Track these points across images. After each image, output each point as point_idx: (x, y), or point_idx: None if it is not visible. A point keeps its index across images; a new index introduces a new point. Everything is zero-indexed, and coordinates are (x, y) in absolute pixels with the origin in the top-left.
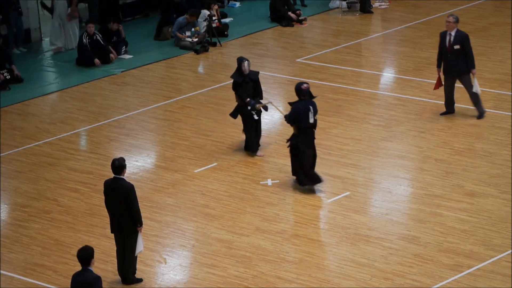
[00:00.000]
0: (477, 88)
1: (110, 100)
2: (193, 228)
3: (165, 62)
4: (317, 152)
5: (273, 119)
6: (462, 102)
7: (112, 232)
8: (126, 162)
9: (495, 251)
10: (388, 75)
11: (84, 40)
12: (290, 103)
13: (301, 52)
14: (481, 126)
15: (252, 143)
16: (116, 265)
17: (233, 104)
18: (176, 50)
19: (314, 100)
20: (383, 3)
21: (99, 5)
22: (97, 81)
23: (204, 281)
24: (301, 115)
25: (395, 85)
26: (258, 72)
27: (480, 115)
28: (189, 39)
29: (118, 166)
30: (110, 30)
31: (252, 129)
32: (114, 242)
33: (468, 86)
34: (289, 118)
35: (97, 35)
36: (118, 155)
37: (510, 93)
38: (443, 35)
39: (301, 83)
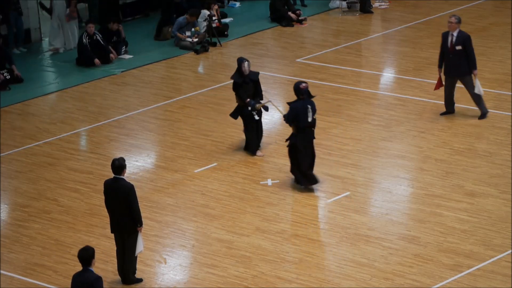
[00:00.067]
0: (479, 89)
1: (110, 100)
2: (193, 228)
3: (165, 62)
4: (317, 152)
5: (273, 119)
6: (462, 102)
7: (112, 232)
8: (126, 162)
9: (495, 251)
10: (388, 75)
11: (84, 40)
12: (288, 103)
13: (301, 52)
14: (481, 126)
15: (252, 144)
16: (116, 265)
17: (233, 104)
18: (176, 50)
19: (313, 99)
20: (383, 3)
21: (99, 5)
22: (97, 81)
23: (204, 281)
24: (300, 114)
25: (395, 85)
26: (258, 73)
27: (483, 115)
28: (189, 39)
29: (118, 166)
30: (110, 30)
31: (253, 130)
32: (114, 242)
33: (470, 87)
34: (287, 118)
35: (97, 35)
36: (118, 155)
37: (510, 93)
38: (445, 36)
39: (300, 82)
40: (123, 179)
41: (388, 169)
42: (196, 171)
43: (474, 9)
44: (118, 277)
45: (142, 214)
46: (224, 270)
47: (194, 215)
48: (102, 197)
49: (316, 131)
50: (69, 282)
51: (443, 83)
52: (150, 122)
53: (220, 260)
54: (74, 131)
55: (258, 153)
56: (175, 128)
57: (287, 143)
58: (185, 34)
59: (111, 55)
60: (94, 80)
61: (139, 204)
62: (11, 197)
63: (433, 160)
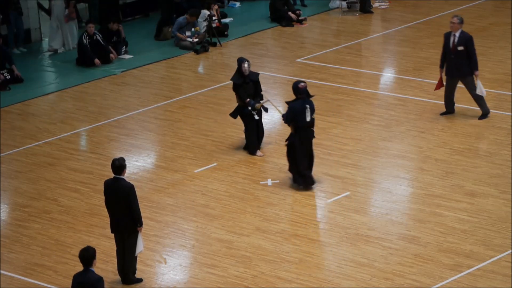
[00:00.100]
0: (481, 89)
1: (110, 100)
2: (193, 228)
3: (165, 62)
4: (317, 152)
5: (273, 119)
6: (462, 102)
7: (112, 232)
8: (126, 162)
9: (495, 251)
10: (388, 75)
11: (84, 40)
12: (287, 102)
13: (301, 52)
14: (481, 126)
15: (251, 144)
16: (116, 265)
17: (233, 104)
18: (176, 50)
19: (313, 99)
20: (383, 3)
21: (99, 5)
22: (97, 81)
23: (204, 281)
24: (298, 114)
25: (395, 85)
26: (258, 73)
27: (484, 115)
28: (190, 39)
29: (118, 166)
30: (110, 30)
31: (253, 130)
32: (114, 242)
33: (471, 88)
34: (286, 117)
35: (97, 35)
36: (118, 155)
37: (510, 93)
38: (447, 36)
39: (298, 81)
40: (123, 179)
41: (388, 169)
42: (196, 171)
43: (474, 9)
44: (118, 277)
45: (142, 214)
46: (224, 270)
47: (194, 215)
48: (102, 197)
49: (316, 131)
50: (69, 282)
51: (444, 83)
52: (150, 122)
53: (220, 260)
54: (74, 131)
55: (258, 153)
56: (175, 128)
57: (286, 143)
58: (185, 34)
59: (111, 55)
60: (94, 80)
61: (139, 204)
62: (11, 197)
63: (433, 160)
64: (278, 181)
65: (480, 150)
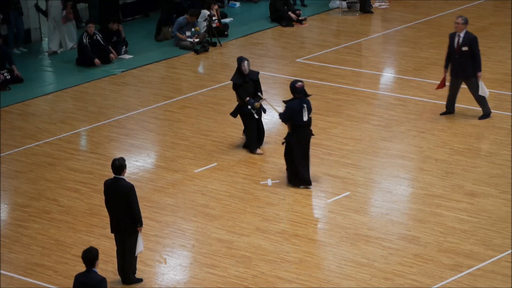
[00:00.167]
0: (484, 90)
1: (110, 100)
2: (193, 228)
3: (165, 62)
4: (317, 152)
5: (273, 119)
6: (462, 102)
7: (112, 232)
8: (126, 162)
9: (495, 251)
10: (388, 75)
11: (84, 40)
12: (284, 101)
13: (301, 52)
14: (481, 126)
15: (251, 142)
16: (116, 265)
17: (233, 104)
18: (176, 50)
19: (312, 99)
20: (383, 3)
21: (99, 5)
22: (97, 81)
23: (204, 281)
24: (296, 113)
25: (395, 85)
26: (258, 72)
27: (485, 115)
28: (190, 39)
29: (118, 166)
30: (110, 30)
31: (253, 129)
32: (114, 242)
33: (474, 89)
34: (283, 117)
35: (97, 35)
36: (118, 155)
37: (510, 93)
38: (452, 36)
39: (296, 81)
40: (123, 179)
41: (388, 169)
42: (196, 171)
43: (474, 9)
44: (118, 277)
45: (142, 214)
46: (224, 270)
47: (194, 215)
48: (102, 197)
49: (316, 131)
50: (69, 282)
51: (446, 83)
52: (150, 122)
53: (220, 260)
54: (74, 131)
55: (258, 150)
56: (175, 128)
57: (283, 142)
58: (185, 34)
59: (111, 55)
60: (94, 80)
61: (139, 204)
62: (11, 197)
63: (433, 160)
64: (278, 181)
65: (480, 150)
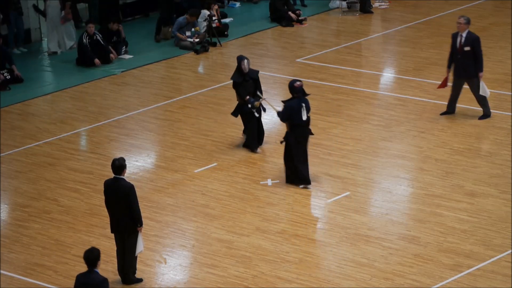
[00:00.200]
0: (485, 90)
1: (110, 100)
2: (193, 228)
3: (165, 62)
4: (317, 152)
5: (273, 119)
6: (463, 102)
7: (112, 232)
8: (126, 162)
9: (495, 251)
10: (388, 75)
11: (84, 40)
12: (283, 101)
13: (301, 52)
14: (481, 126)
15: (252, 141)
16: (116, 265)
17: (233, 104)
18: (176, 50)
19: (312, 99)
20: (383, 3)
21: (99, 5)
22: (97, 81)
23: (204, 281)
24: (294, 112)
25: (395, 85)
26: (258, 71)
27: (485, 115)
28: (190, 39)
29: (118, 166)
30: (110, 30)
31: (253, 128)
32: (114, 242)
33: (475, 90)
34: (282, 116)
35: (97, 35)
36: (118, 155)
37: (510, 93)
38: (454, 36)
39: (294, 80)
40: (123, 179)
41: (388, 169)
42: (196, 171)
43: (474, 9)
44: (118, 277)
45: (142, 214)
46: (224, 270)
47: (194, 215)
48: (102, 197)
49: (316, 131)
50: (69, 282)
51: (448, 84)
52: (150, 122)
53: (220, 260)
54: (74, 131)
55: (257, 150)
56: (175, 128)
57: (282, 141)
58: (185, 34)
59: (111, 55)
60: (94, 80)
61: (139, 204)
62: (11, 197)
63: (433, 160)
64: (278, 181)
65: (480, 150)
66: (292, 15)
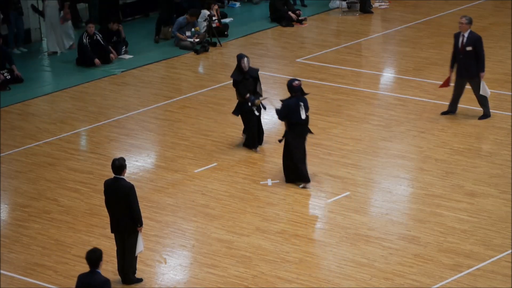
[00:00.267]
0: (485, 90)
1: (110, 100)
2: (193, 228)
3: (165, 62)
4: (317, 152)
5: (273, 119)
6: (463, 102)
7: (112, 232)
8: (126, 162)
9: (495, 251)
10: (388, 75)
11: (84, 40)
12: (282, 100)
13: (301, 52)
14: (481, 126)
15: (252, 139)
16: (116, 265)
17: (233, 104)
18: (176, 50)
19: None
20: (383, 3)
21: (99, 5)
22: (97, 81)
23: (204, 281)
24: (292, 111)
25: (395, 85)
26: (258, 69)
27: (485, 115)
28: (190, 39)
29: (118, 166)
30: (110, 30)
31: (254, 126)
32: (114, 242)
33: (476, 90)
34: (280, 114)
35: (97, 35)
36: (118, 155)
37: (510, 93)
38: (456, 36)
39: (293, 79)
40: (123, 179)
41: (388, 169)
42: (196, 171)
43: (474, 9)
44: (118, 277)
45: (142, 214)
46: (224, 270)
47: (194, 215)
48: (102, 197)
49: (316, 131)
50: (69, 282)
51: (451, 84)
52: (150, 122)
53: (220, 260)
54: (74, 131)
55: (258, 149)
56: (175, 128)
57: (282, 139)
58: (185, 34)
59: (111, 55)
60: (94, 80)
61: (139, 204)
62: (11, 197)
63: (433, 160)
64: (278, 181)
65: (480, 150)
66: (292, 15)
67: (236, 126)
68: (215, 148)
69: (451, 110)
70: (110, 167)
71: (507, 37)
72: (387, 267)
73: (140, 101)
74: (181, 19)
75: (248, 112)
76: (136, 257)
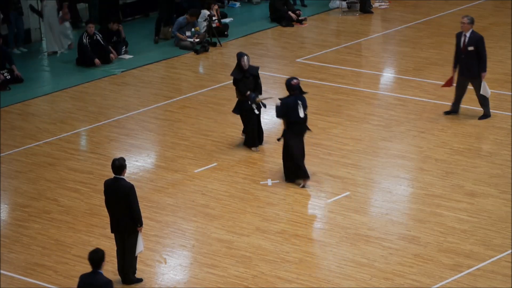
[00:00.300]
0: (486, 90)
1: (110, 100)
2: (193, 228)
3: (165, 62)
4: (317, 152)
5: (273, 119)
6: (463, 102)
7: (112, 232)
8: (126, 162)
9: (495, 251)
10: (388, 75)
11: (84, 40)
12: (280, 99)
13: (301, 52)
14: (481, 126)
15: (252, 138)
16: (116, 265)
17: (233, 103)
18: (176, 50)
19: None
20: (383, 3)
21: (99, 5)
22: (97, 81)
23: (204, 281)
24: (291, 109)
25: (395, 85)
26: (258, 67)
27: (485, 116)
28: (190, 39)
29: (118, 166)
30: (110, 30)
31: (254, 125)
32: (114, 242)
33: (478, 89)
34: (278, 111)
35: (97, 35)
36: (118, 155)
37: (510, 93)
38: (458, 36)
39: (291, 78)
40: (123, 179)
41: (388, 169)
42: (196, 171)
43: (474, 9)
44: (118, 277)
45: (142, 214)
46: (224, 270)
47: (194, 215)
48: (102, 197)
49: (316, 131)
50: (69, 282)
51: (454, 84)
52: (150, 122)
53: (220, 260)
54: (74, 131)
55: (257, 149)
56: (175, 128)
57: (281, 138)
58: (185, 34)
59: (111, 55)
60: (94, 80)
61: (139, 204)
62: (11, 197)
63: (433, 160)
64: (278, 181)
65: (480, 150)
66: (292, 15)
67: (236, 126)
68: (215, 148)
69: (454, 109)
70: (110, 167)
71: (507, 37)
72: (387, 267)
73: (140, 101)
74: (181, 19)
75: (248, 110)
76: (136, 257)
